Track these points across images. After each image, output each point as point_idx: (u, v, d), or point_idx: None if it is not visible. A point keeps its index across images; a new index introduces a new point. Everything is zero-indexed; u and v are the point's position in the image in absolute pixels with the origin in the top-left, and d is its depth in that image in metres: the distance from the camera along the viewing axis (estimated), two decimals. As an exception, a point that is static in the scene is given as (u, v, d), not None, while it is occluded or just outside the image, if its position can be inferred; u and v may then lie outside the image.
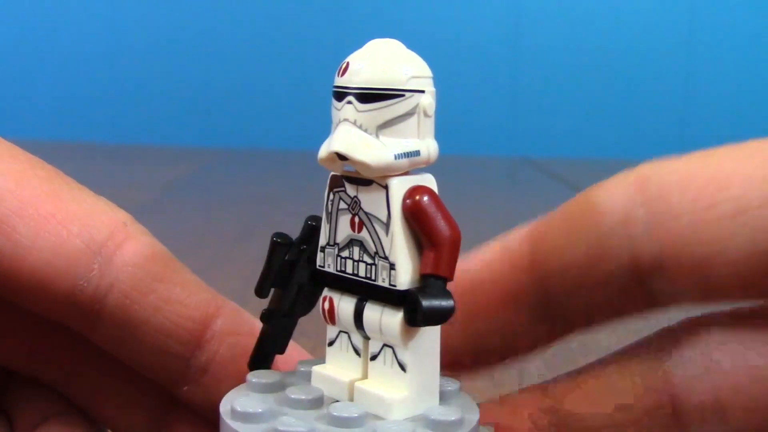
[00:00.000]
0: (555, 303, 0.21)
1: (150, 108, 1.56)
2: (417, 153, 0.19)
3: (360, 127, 0.19)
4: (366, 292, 0.20)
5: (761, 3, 1.60)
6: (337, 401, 0.20)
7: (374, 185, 0.20)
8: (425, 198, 0.19)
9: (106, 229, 0.22)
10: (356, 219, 0.20)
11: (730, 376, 0.19)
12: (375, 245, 0.20)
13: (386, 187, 0.19)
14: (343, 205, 0.20)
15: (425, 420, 0.20)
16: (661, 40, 1.58)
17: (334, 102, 0.20)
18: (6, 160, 0.22)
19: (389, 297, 0.19)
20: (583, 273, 0.20)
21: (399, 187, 0.19)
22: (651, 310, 0.20)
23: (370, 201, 0.20)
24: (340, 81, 0.19)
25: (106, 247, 0.22)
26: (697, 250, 0.18)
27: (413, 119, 0.19)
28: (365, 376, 0.20)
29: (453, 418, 0.19)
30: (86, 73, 1.56)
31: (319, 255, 0.21)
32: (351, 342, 0.20)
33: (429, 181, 0.20)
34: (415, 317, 0.19)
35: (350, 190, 0.20)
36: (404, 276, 0.19)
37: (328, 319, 0.21)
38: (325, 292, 0.21)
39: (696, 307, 0.20)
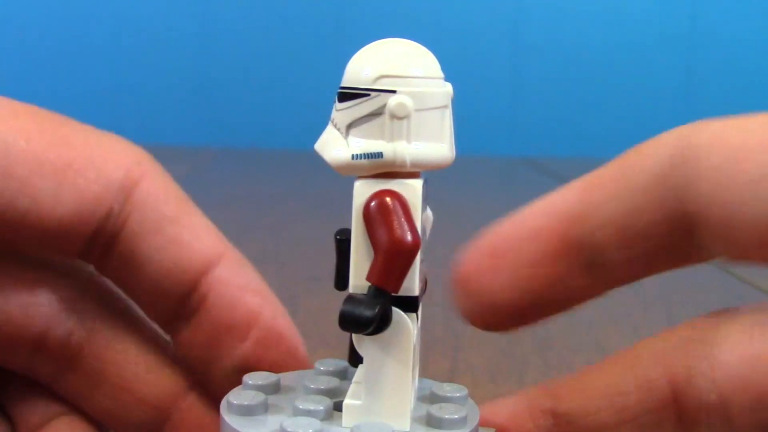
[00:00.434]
0: (604, 254, 0.21)
1: (150, 108, 1.56)
2: (379, 155, 0.19)
3: (336, 126, 0.19)
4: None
5: (762, 3, 1.59)
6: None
7: None
8: (374, 204, 0.19)
9: (122, 170, 0.23)
10: None
11: (735, 374, 0.19)
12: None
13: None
14: None
15: (428, 418, 0.20)
16: (662, 41, 1.58)
17: None
18: (9, 118, 0.22)
19: None
20: (629, 224, 0.20)
21: (360, 189, 0.19)
22: (692, 262, 0.21)
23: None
24: None
25: (124, 186, 0.22)
26: (724, 210, 0.19)
27: (379, 120, 0.19)
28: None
29: (456, 416, 0.19)
30: (86, 73, 1.56)
31: None
32: None
33: (407, 186, 0.19)
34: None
35: None
36: (353, 280, 0.19)
37: None
38: None
39: (733, 264, 0.20)
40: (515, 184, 1.32)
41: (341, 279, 0.20)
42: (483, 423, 0.21)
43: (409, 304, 0.19)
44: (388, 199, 0.19)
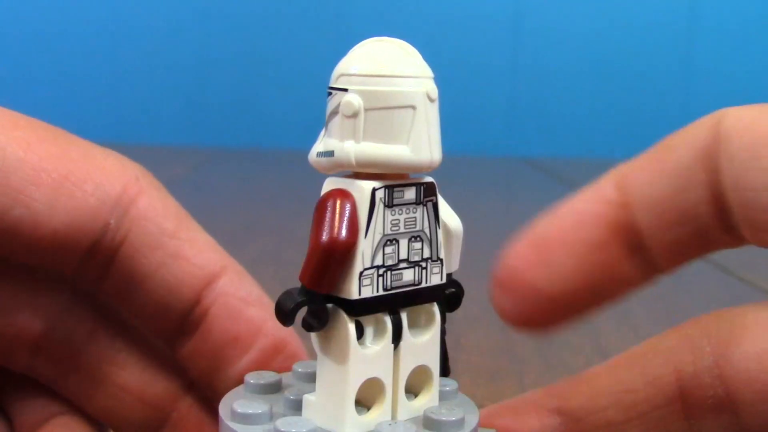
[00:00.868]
0: (649, 239, 0.21)
1: (150, 108, 1.56)
2: (331, 153, 0.19)
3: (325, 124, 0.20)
4: None
5: (762, 3, 1.59)
6: None
7: None
8: (318, 202, 0.19)
9: (119, 185, 0.22)
10: None
11: (742, 370, 0.19)
12: None
13: None
14: None
15: (426, 420, 0.20)
16: (661, 40, 1.58)
17: None
18: (9, 128, 0.22)
19: None
20: (671, 207, 0.20)
21: (324, 187, 0.20)
22: (732, 244, 0.21)
23: None
24: None
25: (121, 201, 0.22)
26: (748, 195, 0.19)
27: (337, 118, 0.19)
28: None
29: (454, 418, 0.19)
30: (86, 73, 1.56)
31: None
32: None
33: (356, 187, 0.19)
34: None
35: None
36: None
37: None
38: None
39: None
40: (515, 184, 1.32)
41: None
42: (486, 424, 0.21)
43: (351, 307, 0.19)
44: (329, 199, 0.19)
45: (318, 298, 0.19)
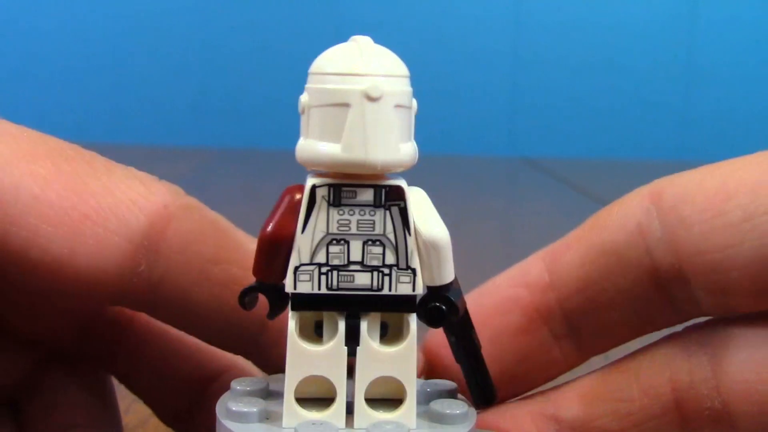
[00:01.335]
0: (578, 322, 0.20)
1: (150, 108, 1.56)
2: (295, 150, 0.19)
3: None
4: None
5: (762, 3, 1.59)
6: None
7: None
8: None
9: (145, 218, 0.21)
10: None
11: (739, 381, 0.19)
12: None
13: None
14: None
15: (430, 413, 0.20)
16: (662, 40, 1.58)
17: None
18: (26, 161, 0.20)
19: None
20: (604, 288, 0.20)
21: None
22: (674, 321, 0.20)
23: None
24: None
25: (149, 237, 0.21)
26: (709, 257, 0.18)
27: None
28: None
29: (457, 412, 0.20)
30: (86, 73, 1.56)
31: None
32: None
33: (306, 183, 0.19)
34: None
35: None
36: None
37: None
38: None
39: (716, 317, 0.19)
40: (515, 184, 1.32)
41: None
42: (483, 426, 0.21)
43: (292, 301, 0.19)
44: (282, 194, 0.19)
45: (266, 287, 0.20)
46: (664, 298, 0.19)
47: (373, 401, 0.20)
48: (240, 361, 0.25)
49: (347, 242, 0.19)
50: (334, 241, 0.19)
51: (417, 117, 0.20)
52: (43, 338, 0.25)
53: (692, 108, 1.57)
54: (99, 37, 1.56)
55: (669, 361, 0.20)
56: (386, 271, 0.19)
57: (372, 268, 0.19)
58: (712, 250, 0.18)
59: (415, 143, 0.20)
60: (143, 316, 0.25)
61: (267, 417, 0.20)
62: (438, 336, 0.21)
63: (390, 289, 0.19)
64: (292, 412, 0.19)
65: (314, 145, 0.19)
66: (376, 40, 0.20)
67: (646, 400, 0.20)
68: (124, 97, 1.56)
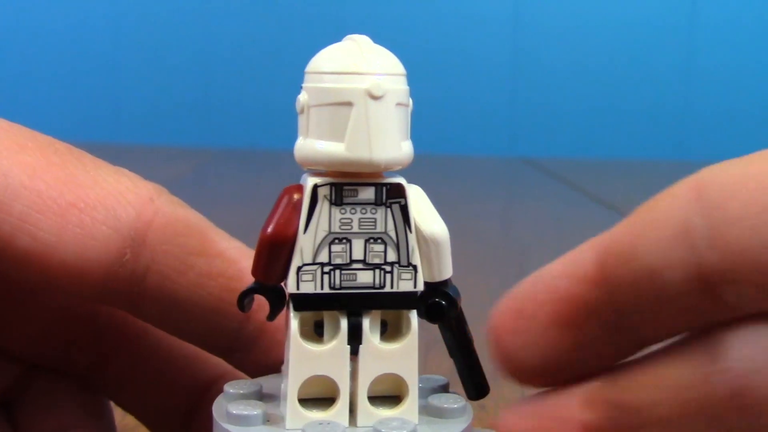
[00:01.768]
0: (630, 316, 0.19)
1: (150, 108, 1.56)
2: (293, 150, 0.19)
3: None
4: None
5: (762, 3, 1.59)
6: None
7: None
8: None
9: (133, 210, 0.21)
10: None
11: None
12: None
13: None
14: None
15: (429, 408, 0.20)
16: (661, 40, 1.58)
17: None
18: (15, 150, 0.21)
19: None
20: (651, 286, 0.19)
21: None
22: (728, 317, 0.19)
23: None
24: None
25: (136, 228, 0.21)
26: (758, 256, 0.17)
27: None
28: None
29: (456, 406, 0.20)
30: (86, 73, 1.56)
31: None
32: None
33: (306, 183, 0.19)
34: None
35: None
36: None
37: None
38: None
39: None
40: (515, 184, 1.32)
41: None
42: (524, 414, 0.20)
43: (294, 302, 0.19)
44: (281, 194, 0.19)
45: (265, 289, 0.20)
46: (714, 295, 0.18)
47: (372, 399, 0.20)
48: (229, 368, 0.25)
49: (349, 241, 0.19)
50: (337, 240, 0.19)
51: (417, 117, 0.20)
52: (27, 353, 0.25)
53: (692, 108, 1.57)
54: (99, 37, 1.56)
55: (720, 348, 0.19)
56: (388, 268, 0.19)
57: (374, 266, 0.19)
58: (761, 247, 0.17)
59: (410, 141, 0.20)
60: (131, 330, 0.24)
61: (267, 419, 0.20)
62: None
63: (392, 287, 0.19)
64: (296, 413, 0.19)
65: (315, 145, 0.19)
66: (376, 40, 0.20)
67: (700, 387, 0.19)
68: (124, 97, 1.56)
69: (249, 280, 0.21)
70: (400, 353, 0.20)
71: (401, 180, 0.19)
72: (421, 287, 0.20)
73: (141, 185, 0.22)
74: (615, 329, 0.20)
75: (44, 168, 0.21)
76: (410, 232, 0.19)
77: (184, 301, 0.22)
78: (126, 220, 0.21)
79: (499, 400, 0.39)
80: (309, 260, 0.19)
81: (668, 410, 0.19)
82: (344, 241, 0.19)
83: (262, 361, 0.23)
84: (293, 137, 0.20)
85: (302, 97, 0.19)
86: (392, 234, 0.19)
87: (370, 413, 0.20)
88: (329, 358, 0.19)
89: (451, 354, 0.21)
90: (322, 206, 0.19)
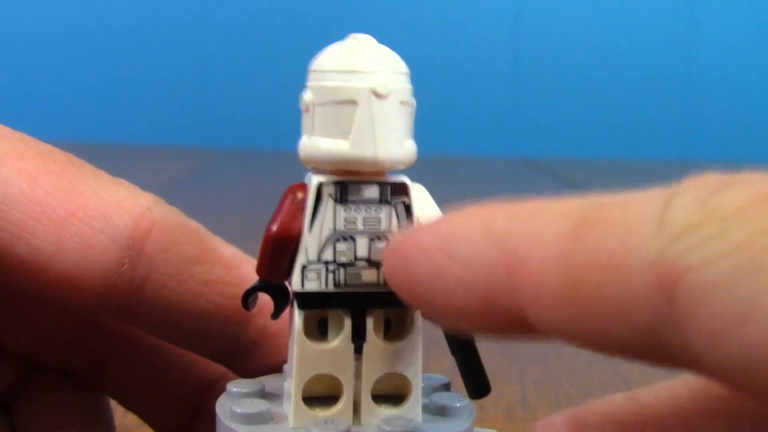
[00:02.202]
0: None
1: (150, 108, 1.56)
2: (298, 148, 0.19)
3: None
4: None
5: (761, 3, 1.59)
6: None
7: None
8: None
9: (131, 219, 0.21)
10: None
11: None
12: None
13: None
14: None
15: (432, 407, 0.20)
16: (662, 40, 1.58)
17: None
18: (16, 158, 0.21)
19: None
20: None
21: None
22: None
23: None
24: None
25: (134, 238, 0.21)
26: (740, 376, 0.13)
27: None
28: None
29: (459, 405, 0.20)
30: (86, 73, 1.56)
31: None
32: None
33: (310, 181, 0.19)
34: None
35: None
36: None
37: None
38: None
39: None
40: (515, 184, 1.32)
41: None
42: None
43: (299, 300, 0.19)
44: (285, 193, 0.19)
45: (270, 287, 0.20)
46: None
47: (374, 397, 0.20)
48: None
49: (354, 239, 0.19)
50: (341, 239, 0.19)
51: (417, 117, 0.20)
52: (28, 352, 0.25)
53: (692, 108, 1.57)
54: (99, 37, 1.56)
55: None
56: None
57: (378, 265, 0.19)
58: (743, 371, 0.13)
59: (413, 140, 0.20)
60: (132, 330, 0.24)
61: (272, 418, 0.20)
62: None
63: None
64: (300, 412, 0.19)
65: (319, 143, 0.19)
66: (377, 40, 0.20)
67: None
68: (124, 97, 1.56)
69: (247, 285, 0.21)
70: (404, 352, 0.20)
71: (405, 179, 0.20)
72: None
73: (139, 195, 0.22)
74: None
75: (44, 177, 0.21)
76: None
77: (183, 309, 0.22)
78: (124, 230, 0.21)
79: (499, 399, 0.39)
80: (314, 258, 0.19)
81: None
82: (349, 239, 0.19)
83: (264, 366, 0.23)
84: (294, 137, 0.20)
85: (306, 96, 0.19)
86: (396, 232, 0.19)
87: (373, 412, 0.20)
88: (333, 356, 0.19)
89: (453, 352, 0.21)
90: (327, 205, 0.19)
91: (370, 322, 0.19)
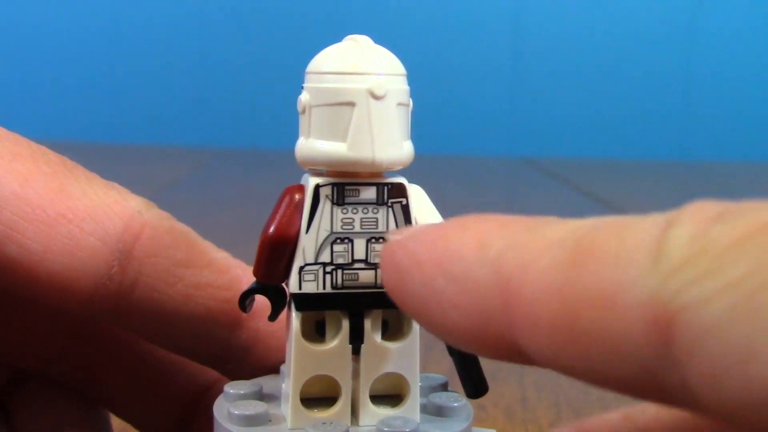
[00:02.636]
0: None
1: (150, 108, 1.56)
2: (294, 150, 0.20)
3: None
4: None
5: (761, 3, 1.59)
6: None
7: None
8: None
9: (121, 222, 0.21)
10: None
11: None
12: None
13: None
14: None
15: (430, 407, 0.20)
16: (662, 40, 1.58)
17: None
18: (8, 158, 0.21)
19: None
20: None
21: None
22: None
23: None
24: None
25: (123, 240, 0.21)
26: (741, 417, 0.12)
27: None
28: None
29: (457, 404, 0.20)
30: (86, 73, 1.56)
31: None
32: None
33: (307, 183, 0.19)
34: None
35: None
36: None
37: None
38: None
39: None
40: (515, 184, 1.32)
41: None
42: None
43: (296, 301, 0.19)
44: (282, 195, 0.19)
45: (267, 289, 0.20)
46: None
47: (372, 397, 0.20)
48: None
49: (351, 241, 0.19)
50: (338, 240, 0.19)
51: (417, 117, 0.20)
52: (17, 361, 0.25)
53: (692, 108, 1.57)
54: (99, 37, 1.56)
55: None
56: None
57: (376, 266, 0.19)
58: (747, 412, 0.12)
59: (411, 141, 0.20)
60: (124, 335, 0.24)
61: (269, 419, 0.20)
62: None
63: None
64: (298, 413, 0.19)
65: (316, 145, 0.19)
66: (376, 40, 0.20)
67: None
68: (124, 97, 1.56)
69: (238, 289, 0.21)
70: (402, 352, 0.20)
71: (402, 180, 0.19)
72: None
73: (130, 198, 0.22)
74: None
75: (36, 177, 0.21)
76: None
77: (172, 312, 0.22)
78: (113, 232, 0.21)
79: (499, 399, 0.39)
80: (311, 260, 0.19)
81: None
82: (346, 240, 0.19)
83: (256, 369, 0.23)
84: (293, 137, 0.20)
85: (303, 97, 0.19)
86: None
87: (371, 412, 0.20)
88: (331, 357, 0.19)
89: (451, 353, 0.21)
90: (324, 206, 0.19)
91: (367, 323, 0.20)
